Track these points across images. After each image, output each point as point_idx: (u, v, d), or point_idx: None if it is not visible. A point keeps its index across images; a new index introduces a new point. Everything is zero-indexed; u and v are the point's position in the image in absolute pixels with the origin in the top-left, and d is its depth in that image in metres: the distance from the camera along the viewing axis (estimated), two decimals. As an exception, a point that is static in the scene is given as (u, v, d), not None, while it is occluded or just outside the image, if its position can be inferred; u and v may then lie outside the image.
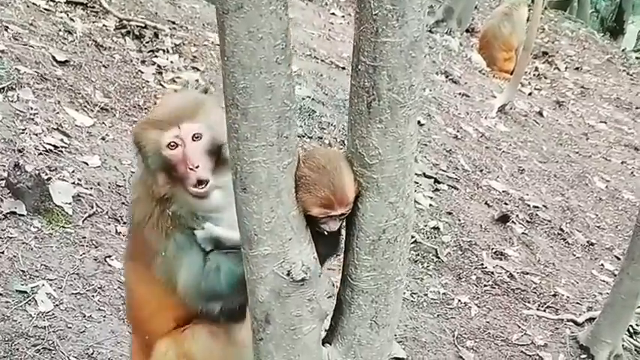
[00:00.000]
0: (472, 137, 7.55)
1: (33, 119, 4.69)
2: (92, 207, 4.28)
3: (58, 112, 4.90)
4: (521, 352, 4.67)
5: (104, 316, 3.64)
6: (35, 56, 5.33)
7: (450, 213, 5.88)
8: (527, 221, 6.29)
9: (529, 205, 6.57)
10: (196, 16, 7.23)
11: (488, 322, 4.83)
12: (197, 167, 2.38)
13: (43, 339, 3.39)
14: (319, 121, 6.29)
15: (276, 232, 2.08)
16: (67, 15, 6.19)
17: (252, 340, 2.28)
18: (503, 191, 6.65)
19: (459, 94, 8.58)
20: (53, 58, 5.44)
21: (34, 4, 6.07)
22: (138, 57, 6.08)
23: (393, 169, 2.07)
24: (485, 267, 5.36)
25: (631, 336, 5.07)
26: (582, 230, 6.54)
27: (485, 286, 5.18)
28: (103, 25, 6.30)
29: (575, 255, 6.10)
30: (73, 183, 4.35)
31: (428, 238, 5.44)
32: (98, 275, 3.84)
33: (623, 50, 14.63)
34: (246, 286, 2.30)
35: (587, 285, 5.68)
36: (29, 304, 3.52)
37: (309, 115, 6.31)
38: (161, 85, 5.86)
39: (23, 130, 4.56)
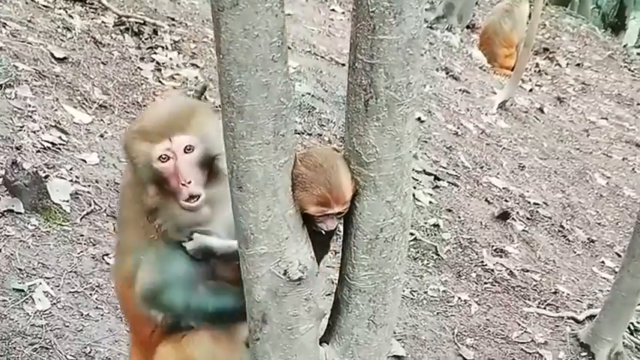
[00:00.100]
0: (472, 134, 7.53)
1: (31, 116, 4.67)
2: (90, 205, 4.26)
3: (56, 110, 4.88)
4: (522, 349, 4.66)
5: (102, 315, 3.62)
6: (33, 53, 5.31)
7: (450, 210, 5.87)
8: (528, 218, 6.28)
9: (529, 202, 6.55)
10: (196, 12, 7.22)
11: (488, 320, 4.81)
12: (189, 183, 2.34)
13: (40, 338, 3.37)
14: (319, 117, 6.27)
15: (273, 231, 2.06)
16: (66, 12, 6.17)
17: (249, 339, 2.27)
18: (503, 188, 6.64)
19: (460, 90, 8.56)
20: (51, 54, 5.42)
21: (32, 0, 6.05)
22: (137, 54, 6.06)
23: (391, 167, 2.06)
24: (486, 264, 5.35)
25: (631, 333, 5.06)
26: (583, 227, 6.53)
27: (485, 283, 5.17)
28: (102, 22, 6.28)
29: (575, 252, 6.08)
30: (71, 180, 4.34)
31: (428, 235, 5.42)
32: (96, 273, 3.82)
33: (624, 46, 14.60)
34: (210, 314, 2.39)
35: (587, 282, 5.66)
36: (26, 303, 3.51)
37: (309, 111, 6.29)
38: (160, 82, 5.84)
39: (21, 127, 4.54)
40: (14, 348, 3.28)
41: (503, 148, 7.55)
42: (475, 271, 5.25)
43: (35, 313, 3.48)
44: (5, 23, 5.49)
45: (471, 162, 6.85)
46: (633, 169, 8.39)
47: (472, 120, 7.86)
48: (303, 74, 6.87)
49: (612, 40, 14.31)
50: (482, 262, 5.37)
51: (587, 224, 6.62)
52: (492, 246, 5.61)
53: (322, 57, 7.51)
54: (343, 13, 9.33)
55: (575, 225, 6.51)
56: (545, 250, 5.89)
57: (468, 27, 11.18)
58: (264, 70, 1.91)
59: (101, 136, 4.87)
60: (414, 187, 5.86)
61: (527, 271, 5.49)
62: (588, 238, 6.34)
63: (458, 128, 7.45)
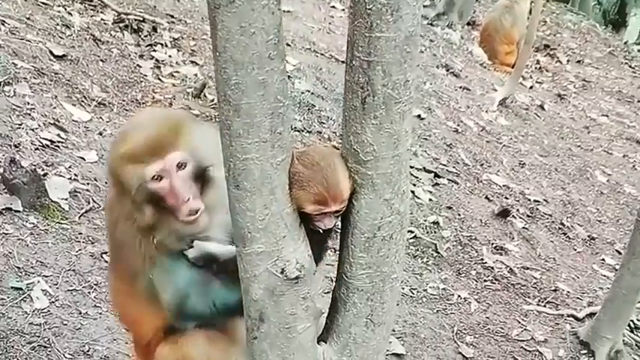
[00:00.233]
0: (473, 131, 7.52)
1: (29, 114, 4.66)
2: (89, 203, 4.25)
3: (55, 107, 4.87)
4: (521, 347, 4.65)
5: (100, 313, 3.61)
6: (32, 50, 5.30)
7: (450, 207, 5.86)
8: (528, 216, 6.26)
9: (530, 200, 6.54)
10: (195, 9, 7.21)
11: (487, 318, 4.80)
12: (188, 200, 2.33)
13: (39, 336, 3.36)
14: (318, 115, 6.26)
15: (270, 230, 2.05)
16: (65, 9, 6.16)
17: (247, 338, 2.26)
18: (503, 185, 6.62)
19: (460, 87, 8.54)
20: (50, 52, 5.41)
21: (31, -3, 6.06)
22: (136, 51, 6.05)
23: (388, 165, 2.05)
24: (485, 262, 5.34)
25: (632, 331, 5.05)
26: (583, 224, 6.52)
27: (485, 281, 5.16)
28: (101, 19, 6.27)
29: (575, 249, 6.07)
30: (70, 178, 4.33)
31: (427, 232, 5.41)
32: (94, 272, 3.81)
33: (625, 43, 14.57)
34: (233, 308, 2.36)
35: (587, 280, 5.65)
36: (24, 301, 3.50)
37: (309, 109, 6.27)
38: (159, 79, 5.83)
39: (20, 125, 4.53)
40: (12, 347, 3.27)
41: (504, 145, 7.54)
42: (475, 269, 5.24)
43: (33, 311, 3.48)
44: (4, 21, 5.48)
45: (471, 159, 6.84)
46: (634, 166, 8.38)
47: (472, 117, 7.85)
48: (303, 71, 6.86)
49: (613, 37, 14.29)
50: (482, 259, 5.36)
51: (588, 221, 6.61)
52: (492, 243, 5.60)
53: (322, 54, 7.50)
54: (343, 10, 9.32)
55: (576, 222, 6.50)
56: (546, 248, 5.88)
57: (468, 24, 11.17)
58: (261, 68, 1.90)
59: (100, 133, 4.86)
60: (414, 185, 5.85)
61: (528, 268, 5.48)
62: (589, 236, 6.33)
63: (458, 125, 7.44)
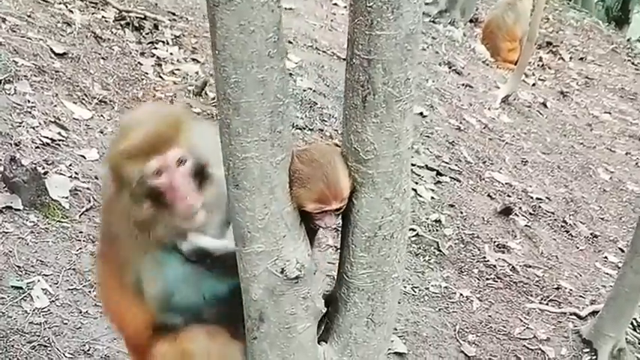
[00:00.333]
0: (475, 129, 7.50)
1: (30, 112, 4.65)
2: (89, 201, 4.24)
3: (55, 105, 4.85)
4: (524, 346, 4.64)
5: (100, 312, 3.59)
6: (33, 48, 5.28)
7: (452, 205, 5.84)
8: (530, 213, 6.25)
9: (532, 197, 6.52)
10: (196, 7, 7.19)
11: (490, 316, 4.79)
12: (187, 195, 2.32)
13: (39, 335, 3.35)
14: (320, 112, 6.25)
15: (270, 230, 2.04)
16: (66, 6, 6.14)
17: (247, 338, 2.26)
18: (506, 183, 6.61)
19: (462, 84, 8.52)
20: (51, 50, 5.40)
21: (32, -5, 6.04)
22: (137, 49, 6.04)
23: (389, 164, 2.03)
24: (488, 260, 5.32)
25: (634, 329, 5.03)
26: (586, 222, 6.50)
27: (487, 279, 5.14)
28: (102, 17, 6.25)
29: (578, 247, 6.05)
30: (70, 177, 4.31)
31: (429, 230, 5.40)
32: (94, 270, 3.79)
33: (628, 40, 14.52)
34: (224, 300, 2.35)
35: (590, 278, 5.63)
36: (25, 300, 3.49)
37: (311, 106, 6.26)
38: (160, 77, 5.82)
39: (20, 123, 4.51)
40: (12, 346, 3.26)
41: (506, 142, 7.52)
42: (477, 267, 5.23)
43: (34, 310, 3.47)
44: (5, 18, 5.47)
45: (473, 157, 6.82)
46: (637, 163, 8.35)
47: (475, 115, 7.83)
48: (305, 69, 6.84)
49: (616, 34, 14.24)
50: (485, 257, 5.34)
51: (590, 219, 6.59)
52: (494, 241, 5.59)
53: (324, 52, 7.48)
54: (345, 7, 9.29)
55: (578, 220, 6.48)
56: (548, 246, 5.87)
57: (471, 21, 11.14)
58: (261, 67, 1.89)
59: (101, 131, 4.85)
60: (416, 183, 5.84)
61: (530, 266, 5.46)
62: (591, 233, 6.31)
63: (460, 123, 7.42)
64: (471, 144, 7.08)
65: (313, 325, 2.19)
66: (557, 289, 5.31)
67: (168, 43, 6.28)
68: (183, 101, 5.54)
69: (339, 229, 2.21)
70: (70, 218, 4.07)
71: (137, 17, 6.39)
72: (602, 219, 6.69)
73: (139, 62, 5.86)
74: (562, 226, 6.26)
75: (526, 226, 6.00)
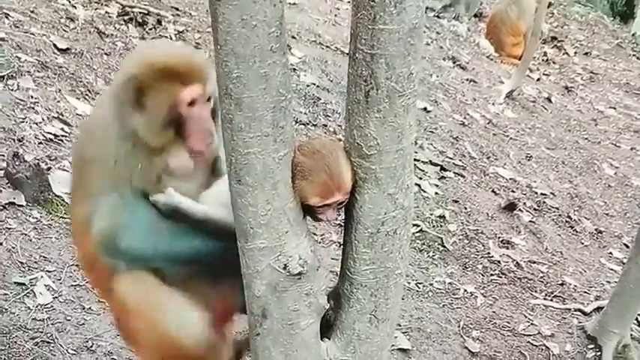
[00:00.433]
0: (479, 124, 7.48)
1: (33, 108, 4.64)
2: (93, 197, 4.22)
3: (58, 101, 4.85)
4: (528, 342, 4.62)
5: (104, 309, 3.58)
6: (36, 44, 5.27)
7: (456, 201, 5.82)
8: (535, 209, 6.23)
9: (536, 193, 6.50)
10: (200, 2, 7.17)
11: (494, 312, 4.78)
12: (211, 133, 2.30)
13: (42, 332, 3.34)
14: (324, 108, 6.23)
15: (272, 225, 2.04)
16: (69, 2, 6.13)
17: (250, 335, 2.25)
18: (510, 179, 6.59)
19: (467, 80, 8.50)
20: (54, 45, 5.39)
21: (35, -10, 6.03)
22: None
23: (392, 159, 2.02)
24: (492, 256, 5.31)
25: (639, 325, 5.01)
26: (590, 218, 6.47)
27: (491, 275, 5.13)
28: (106, 12, 6.24)
29: (583, 243, 6.03)
30: (74, 173, 4.30)
31: (433, 226, 5.38)
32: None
33: (633, 35, 14.47)
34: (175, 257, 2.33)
35: (595, 274, 5.61)
36: (28, 297, 3.48)
37: (314, 102, 6.25)
38: (164, 72, 5.79)
39: (23, 119, 4.51)
40: (15, 342, 3.25)
41: (511, 138, 7.50)
42: (481, 263, 5.21)
43: (36, 306, 3.46)
44: (8, 14, 5.46)
45: (477, 152, 6.80)
46: (642, 158, 8.33)
47: (479, 110, 7.81)
48: (308, 64, 6.83)
49: (621, 29, 14.19)
50: (489, 253, 5.33)
51: (595, 215, 6.57)
52: (499, 237, 5.57)
53: (328, 47, 7.46)
54: (349, 1, 9.27)
55: (583, 215, 6.46)
56: (553, 242, 5.85)
57: (475, 16, 11.12)
58: (263, 61, 1.88)
59: (104, 127, 4.83)
60: (420, 178, 5.82)
61: (534, 262, 5.45)
62: (596, 229, 6.29)
63: (465, 118, 7.40)
64: (475, 139, 7.06)
65: (316, 321, 2.19)
66: (562, 285, 5.30)
67: (171, 39, 6.26)
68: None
69: (343, 224, 2.20)
70: (73, 214, 4.06)
71: (140, 12, 6.38)
72: (606, 214, 6.67)
73: (142, 58, 5.83)
74: (566, 222, 6.24)
75: (530, 221, 5.99)
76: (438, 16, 10.17)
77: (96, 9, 6.22)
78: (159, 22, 6.40)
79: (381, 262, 2.13)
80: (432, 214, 5.49)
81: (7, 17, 5.42)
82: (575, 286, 5.34)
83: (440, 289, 4.80)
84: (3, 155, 4.12)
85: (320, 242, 4.42)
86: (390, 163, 2.02)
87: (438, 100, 7.50)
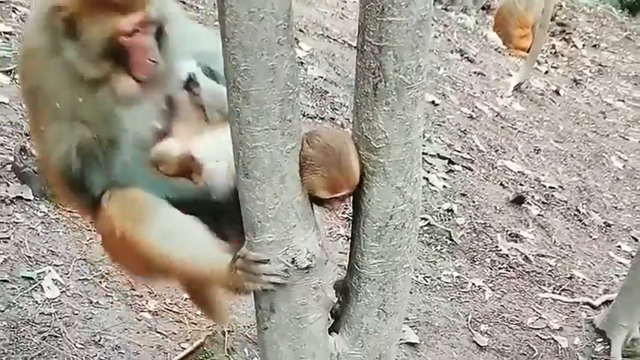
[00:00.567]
0: (487, 117, 7.45)
1: (40, 102, 4.63)
2: (100, 191, 4.22)
3: (66, 95, 4.84)
4: (536, 336, 4.61)
5: (111, 303, 3.59)
6: (43, 38, 5.26)
7: (464, 194, 5.81)
8: (543, 202, 6.21)
9: (545, 186, 6.48)
10: (207, -5, 7.16)
11: (502, 306, 4.76)
12: (153, 59, 2.22)
13: (49, 326, 3.35)
14: (331, 101, 6.22)
15: (280, 219, 2.03)
16: (76, -5, 6.11)
17: (257, 329, 2.25)
18: (518, 172, 6.57)
19: (475, 72, 8.47)
20: (61, 39, 5.37)
21: (42, -16, 6.01)
22: (147, 38, 6.01)
23: (400, 152, 2.01)
24: (500, 249, 5.29)
25: (648, 319, 4.99)
26: (599, 211, 6.45)
27: (499, 268, 5.11)
28: (113, 6, 6.22)
29: (591, 236, 6.01)
30: (81, 166, 4.29)
31: (441, 220, 5.37)
32: (105, 260, 3.77)
33: (641, 27, 14.40)
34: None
35: (603, 267, 5.59)
36: (35, 291, 3.48)
37: (322, 95, 6.23)
38: (171, 66, 5.78)
39: (30, 113, 4.50)
40: (23, 336, 3.25)
41: (519, 131, 7.47)
42: (489, 257, 5.20)
43: (44, 301, 3.46)
44: (15, 8, 5.45)
45: (485, 145, 6.78)
46: (650, 151, 8.30)
47: (487, 103, 7.78)
48: (316, 57, 6.81)
49: (629, 21, 14.11)
50: (497, 247, 5.31)
51: (604, 208, 6.55)
52: (507, 231, 5.55)
53: (335, 40, 7.44)
54: (356, -5, 9.25)
55: (592, 209, 6.43)
56: (561, 235, 5.83)
57: (483, 8, 11.08)
58: (270, 54, 1.86)
59: (111, 121, 4.83)
60: (428, 172, 5.81)
61: (543, 256, 5.43)
62: (604, 222, 6.27)
63: (472, 111, 7.38)
64: (483, 132, 7.04)
65: (324, 315, 2.18)
66: (570, 278, 5.28)
67: (178, 32, 6.24)
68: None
69: (350, 218, 2.19)
70: (80, 208, 4.05)
71: (147, 6, 6.36)
72: (615, 208, 6.64)
73: (149, 51, 5.83)
74: (575, 215, 6.22)
75: (539, 215, 5.97)
76: (445, 9, 10.14)
77: (103, 3, 6.21)
78: (166, 15, 6.38)
79: (389, 255, 2.12)
80: (439, 208, 5.48)
81: (14, 11, 5.41)
82: (584, 279, 5.33)
83: (448, 282, 4.79)
84: (10, 149, 4.11)
85: (328, 236, 4.42)
86: (399, 157, 2.01)
87: (446, 93, 7.47)
